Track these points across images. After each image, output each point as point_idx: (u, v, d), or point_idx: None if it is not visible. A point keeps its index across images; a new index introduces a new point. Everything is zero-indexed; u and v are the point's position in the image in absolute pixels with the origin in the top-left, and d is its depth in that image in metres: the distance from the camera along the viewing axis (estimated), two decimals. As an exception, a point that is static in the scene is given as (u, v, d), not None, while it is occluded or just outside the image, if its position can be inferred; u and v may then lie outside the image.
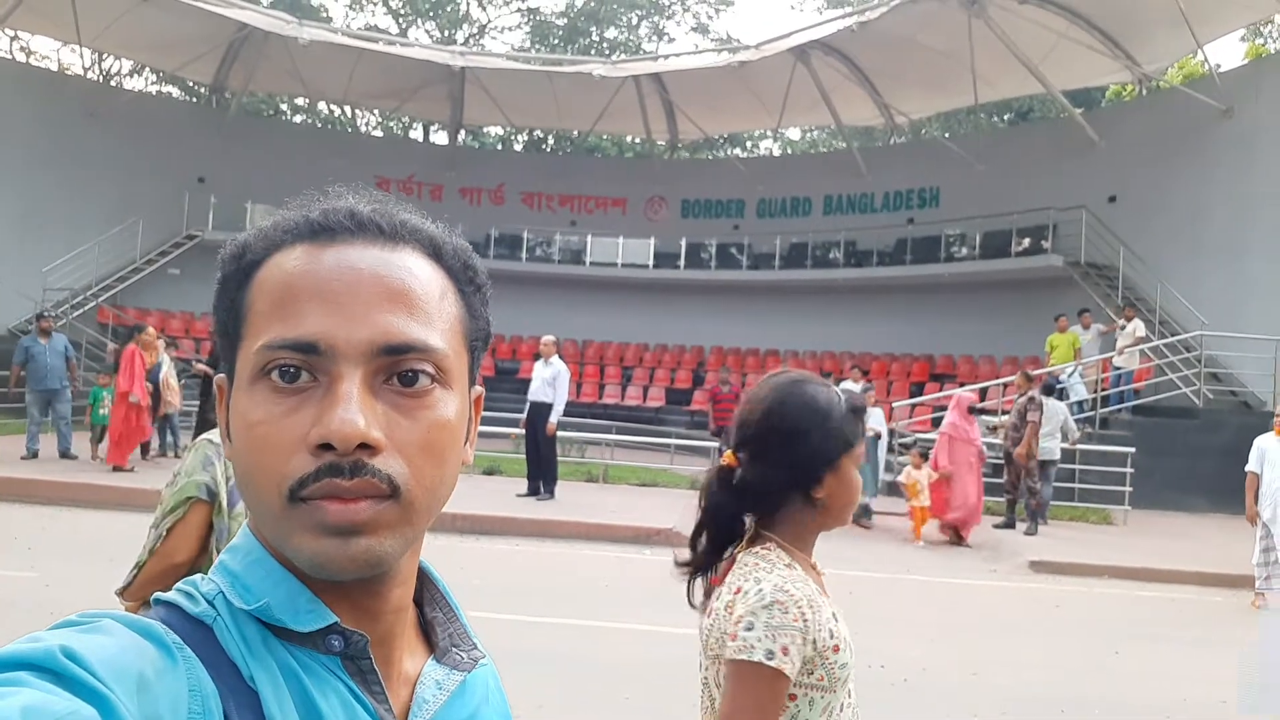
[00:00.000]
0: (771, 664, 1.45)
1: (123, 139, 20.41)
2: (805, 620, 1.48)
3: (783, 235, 22.15)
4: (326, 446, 0.60)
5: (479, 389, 0.74)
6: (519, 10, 33.62)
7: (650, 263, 22.71)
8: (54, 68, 25.68)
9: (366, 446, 0.61)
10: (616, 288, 22.92)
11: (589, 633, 6.03)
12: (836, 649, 1.52)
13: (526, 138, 31.96)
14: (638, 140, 27.79)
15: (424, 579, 0.76)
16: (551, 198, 24.62)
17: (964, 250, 19.89)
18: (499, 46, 32.39)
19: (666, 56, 24.74)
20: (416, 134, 31.25)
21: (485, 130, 30.33)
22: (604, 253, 22.90)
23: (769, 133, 29.61)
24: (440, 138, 27.90)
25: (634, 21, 33.03)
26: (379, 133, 31.57)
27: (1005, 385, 14.65)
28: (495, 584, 7.03)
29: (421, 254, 0.68)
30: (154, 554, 2.63)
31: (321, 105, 30.52)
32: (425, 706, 0.69)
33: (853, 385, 12.29)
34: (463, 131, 26.81)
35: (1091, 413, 14.22)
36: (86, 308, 19.15)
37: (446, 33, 32.35)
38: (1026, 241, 18.70)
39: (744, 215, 23.68)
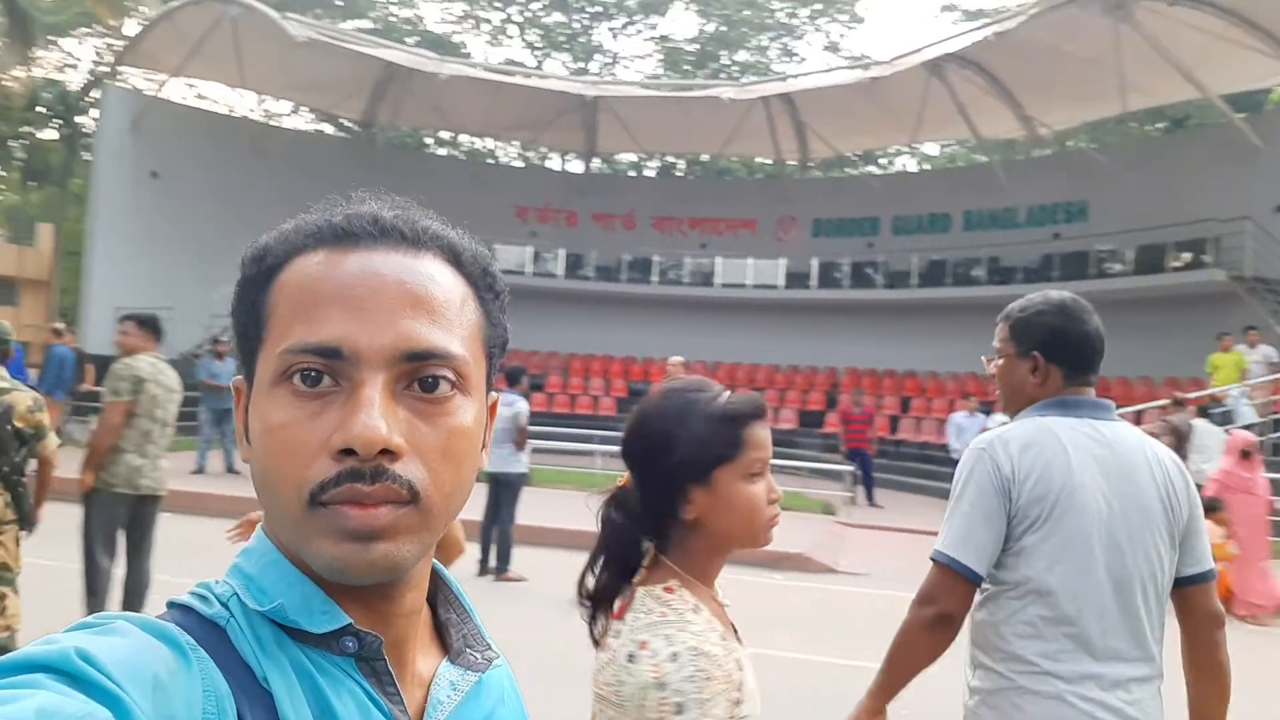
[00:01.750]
0: None
1: (283, 174, 21.83)
2: (727, 676, 1.35)
3: (920, 253, 21.63)
4: (348, 451, 0.60)
5: (494, 394, 0.75)
6: (651, 39, 34.22)
7: (781, 283, 22.57)
8: (224, 111, 27.77)
9: (388, 452, 0.61)
10: (747, 309, 22.86)
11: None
12: (738, 701, 1.37)
13: (658, 163, 32.38)
14: (768, 161, 27.72)
15: (437, 581, 0.76)
16: (681, 221, 24.83)
17: (1116, 265, 18.91)
18: (631, 75, 33.00)
19: (795, 76, 24.60)
20: (553, 163, 32.12)
21: (617, 157, 30.91)
22: (734, 274, 22.91)
23: (905, 148, 29.02)
24: (575, 166, 28.60)
25: (764, 44, 33.06)
26: (519, 163, 32.61)
27: (1164, 408, 13.82)
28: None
29: (443, 260, 0.69)
30: None
31: (464, 138, 31.80)
32: (440, 707, 0.69)
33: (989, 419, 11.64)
34: (596, 159, 27.42)
35: (1261, 438, 13.23)
36: (249, 334, 20.51)
37: (581, 64, 33.22)
38: (1185, 255, 17.62)
39: (878, 233, 23.25)
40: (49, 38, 29.40)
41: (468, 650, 0.74)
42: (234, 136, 22.26)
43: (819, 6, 32.03)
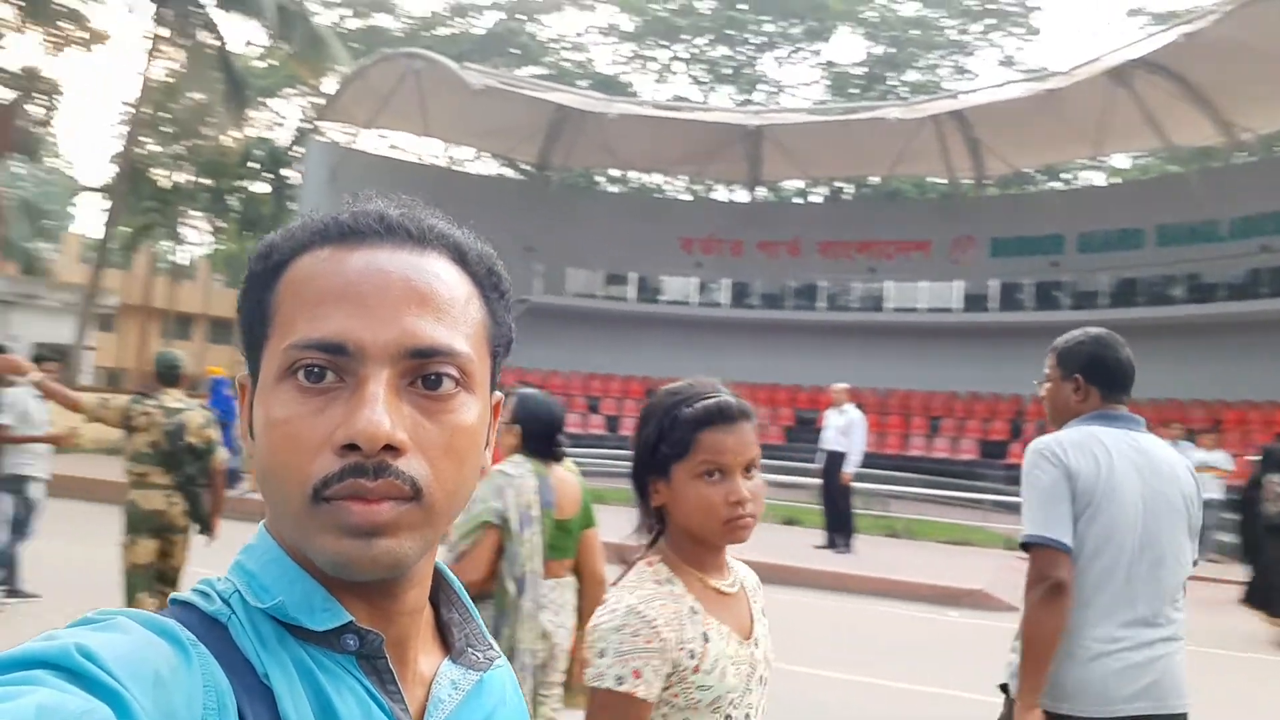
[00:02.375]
0: (622, 689, 1.43)
1: (465, 216, 22.53)
2: (662, 639, 1.45)
3: (1110, 271, 20.34)
4: (352, 447, 0.60)
5: (499, 394, 0.75)
6: (816, 65, 34.01)
7: (958, 306, 21.77)
8: (412, 159, 29.69)
9: (391, 448, 0.61)
10: (920, 334, 22.17)
11: (877, 692, 5.87)
12: (697, 669, 1.47)
13: (827, 190, 32.04)
14: (941, 181, 26.90)
15: (439, 580, 0.76)
16: (849, 245, 24.43)
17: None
18: (798, 102, 32.90)
19: (965, 93, 23.81)
20: (719, 194, 32.40)
21: (783, 185, 30.81)
22: (905, 298, 22.30)
23: (1090, 162, 27.46)
24: (740, 196, 28.74)
25: (934, 63, 32.21)
26: (687, 195, 33.09)
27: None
28: (784, 635, 7.04)
29: (448, 259, 0.69)
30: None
31: (632, 174, 32.61)
32: (441, 706, 0.70)
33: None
34: (761, 188, 27.44)
35: None
36: (434, 367, 21.70)
37: (745, 95, 33.43)
38: None
39: (1063, 251, 22.04)
40: (260, 100, 32.45)
41: (469, 650, 0.74)
42: (419, 182, 23.72)
43: (992, 21, 30.94)
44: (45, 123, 27.16)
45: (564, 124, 23.27)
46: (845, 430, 10.82)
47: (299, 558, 0.65)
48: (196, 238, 37.10)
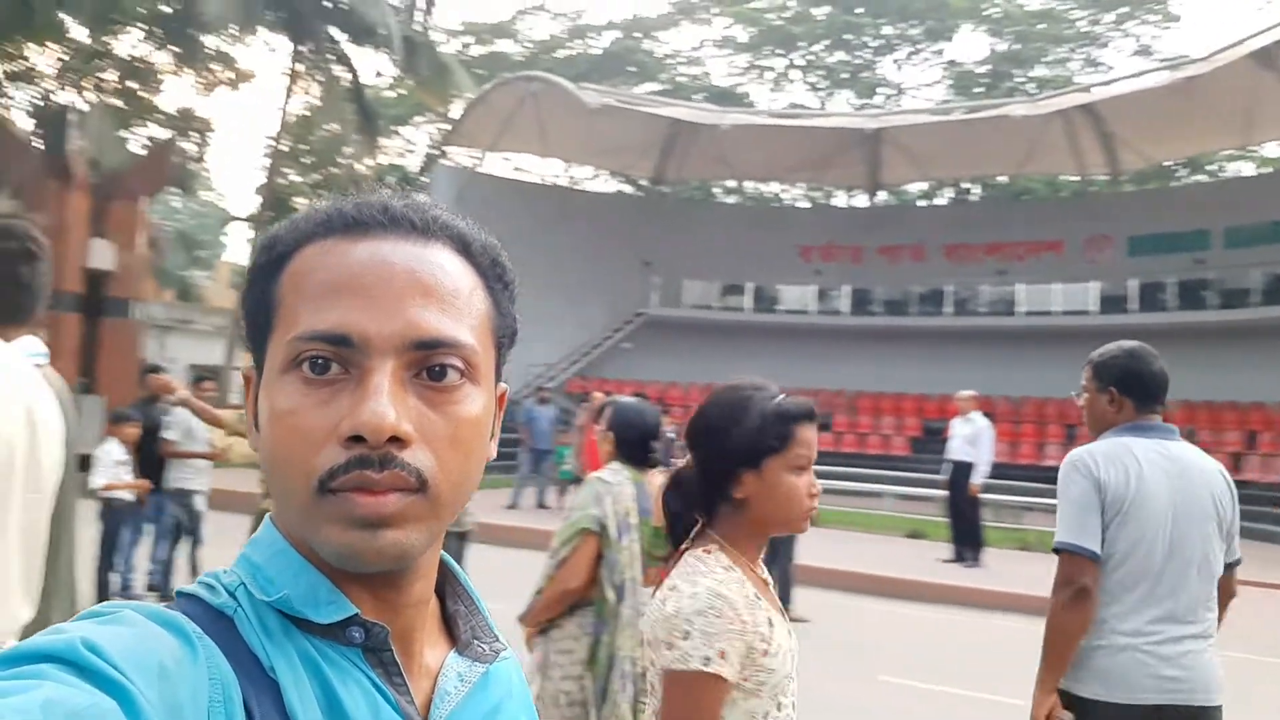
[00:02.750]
0: (709, 670, 1.46)
1: (584, 233, 23.54)
2: (743, 621, 1.50)
3: (1262, 267, 19.04)
4: (357, 439, 0.60)
5: (503, 385, 0.75)
6: (938, 65, 33.19)
7: (1094, 308, 20.79)
8: (533, 179, 30.49)
9: (397, 440, 0.61)
10: (1054, 338, 21.26)
11: (1010, 712, 5.68)
12: (766, 653, 1.52)
13: (952, 192, 31.17)
14: (1073, 178, 25.77)
15: (445, 572, 0.76)
16: (976, 248, 23.69)
17: None
18: (919, 104, 32.14)
19: (1098, 85, 22.77)
20: (839, 200, 31.98)
21: (904, 188, 30.14)
22: (1037, 300, 21.44)
23: (1238, 152, 25.79)
24: (860, 201, 28.28)
25: (1064, 56, 30.93)
26: (805, 203, 32.80)
27: None
28: (911, 651, 6.90)
29: (452, 250, 0.69)
30: (550, 581, 2.94)
31: (749, 184, 32.52)
32: (447, 698, 0.70)
33: None
34: (881, 192, 26.93)
35: None
36: (558, 380, 22.18)
37: (865, 99, 32.89)
38: None
39: (1209, 247, 20.77)
40: (392, 128, 33.96)
41: (475, 642, 0.74)
42: (540, 202, 24.38)
43: (1125, 9, 29.50)
44: (198, 159, 29.13)
45: (678, 138, 23.47)
46: (972, 440, 10.52)
47: (305, 550, 0.65)
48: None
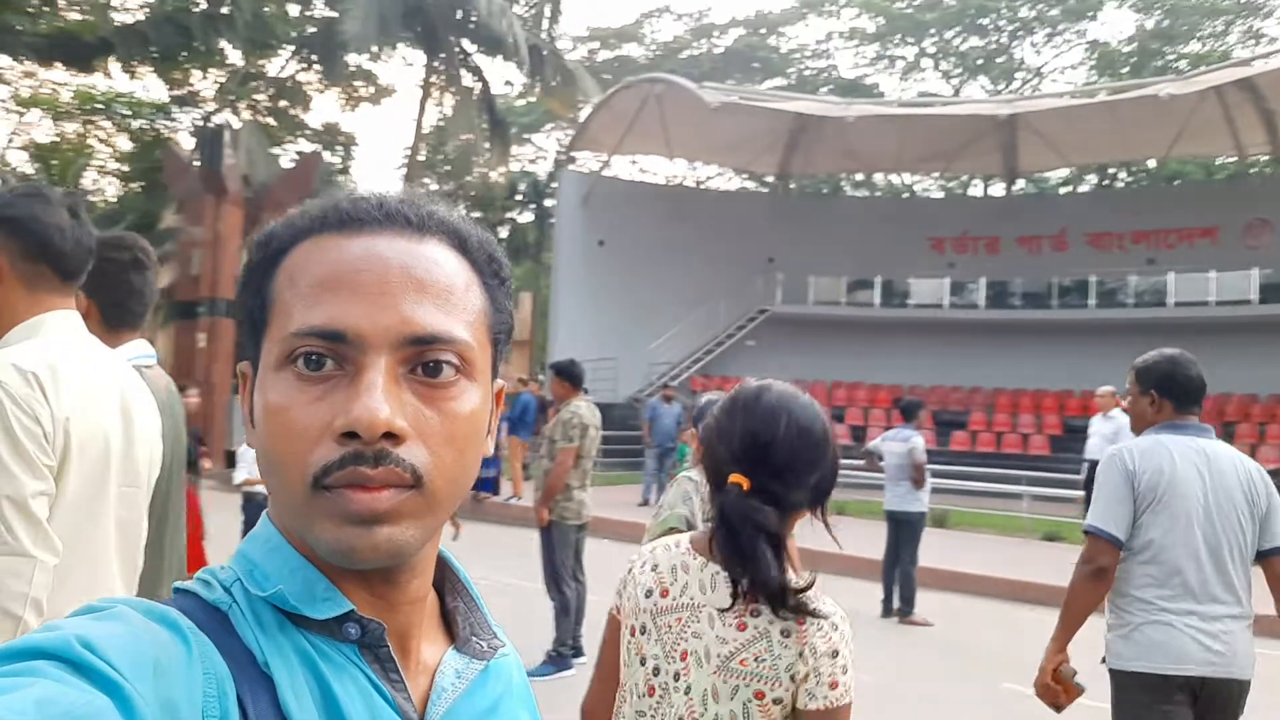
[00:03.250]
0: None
1: (707, 232, 23.57)
2: None
3: None
4: (351, 435, 0.60)
5: (500, 382, 0.74)
6: (1079, 46, 31.61)
7: (1255, 297, 19.38)
8: (657, 180, 30.74)
9: (391, 436, 0.61)
10: (1211, 329, 19.91)
11: None
12: None
13: (1095, 178, 29.62)
14: (1229, 159, 24.08)
15: (444, 568, 0.76)
16: (1122, 236, 22.43)
17: None
18: (1060, 88, 30.69)
19: (1258, 58, 21.17)
20: (976, 189, 30.88)
21: (1044, 176, 28.84)
22: (1191, 290, 20.13)
23: None
24: (996, 190, 27.23)
25: (1220, 29, 28.91)
26: (938, 193, 31.83)
27: None
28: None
29: (448, 245, 0.68)
30: None
31: (878, 176, 31.81)
32: (444, 695, 0.69)
33: None
34: (1019, 180, 25.86)
35: None
36: (681, 378, 22.29)
37: (1001, 85, 31.65)
38: None
39: (1391, 229, 19.07)
40: (524, 136, 34.90)
41: (474, 639, 0.74)
42: (664, 202, 24.55)
43: (1292, -27, 27.38)
44: (344, 171, 30.66)
45: (803, 132, 23.18)
46: (1112, 438, 9.98)
47: (301, 546, 0.66)
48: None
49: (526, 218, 33.91)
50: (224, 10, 21.94)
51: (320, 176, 22.65)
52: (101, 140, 28.49)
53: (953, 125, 21.94)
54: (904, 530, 7.94)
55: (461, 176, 30.89)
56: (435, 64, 24.11)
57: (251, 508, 7.16)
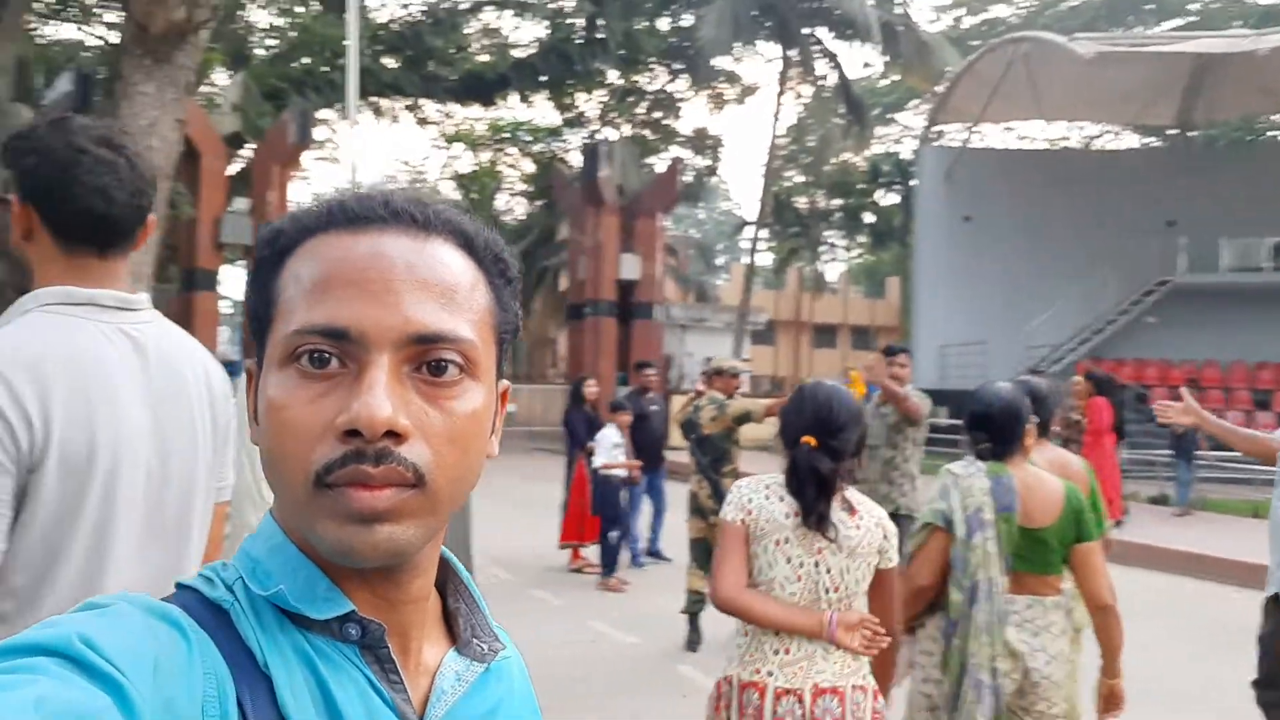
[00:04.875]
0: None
1: (1091, 197, 21.43)
2: None
3: None
4: (354, 433, 0.60)
5: (505, 382, 0.74)
6: None
7: None
8: (1025, 147, 28.47)
9: (394, 434, 0.61)
10: None
11: None
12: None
13: None
14: None
15: (447, 569, 0.75)
16: None
17: None
18: None
19: None
20: None
21: None
22: None
23: None
24: None
25: None
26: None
27: None
28: None
29: (454, 244, 0.69)
30: (902, 578, 2.79)
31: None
32: (444, 697, 0.69)
33: None
34: None
35: None
36: (1065, 361, 20.47)
37: None
38: None
39: None
40: (888, 116, 34.09)
41: (475, 641, 0.73)
42: (1040, 170, 22.75)
43: None
44: (713, 172, 32.10)
45: (1204, 75, 20.21)
46: None
47: (303, 545, 0.66)
48: (836, 254, 40.41)
49: (892, 200, 33.11)
50: (599, 35, 24.13)
51: (685, 181, 24.00)
52: (509, 165, 32.56)
53: None
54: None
55: (822, 164, 30.93)
56: (790, 56, 24.45)
57: (607, 490, 7.66)
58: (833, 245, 37.65)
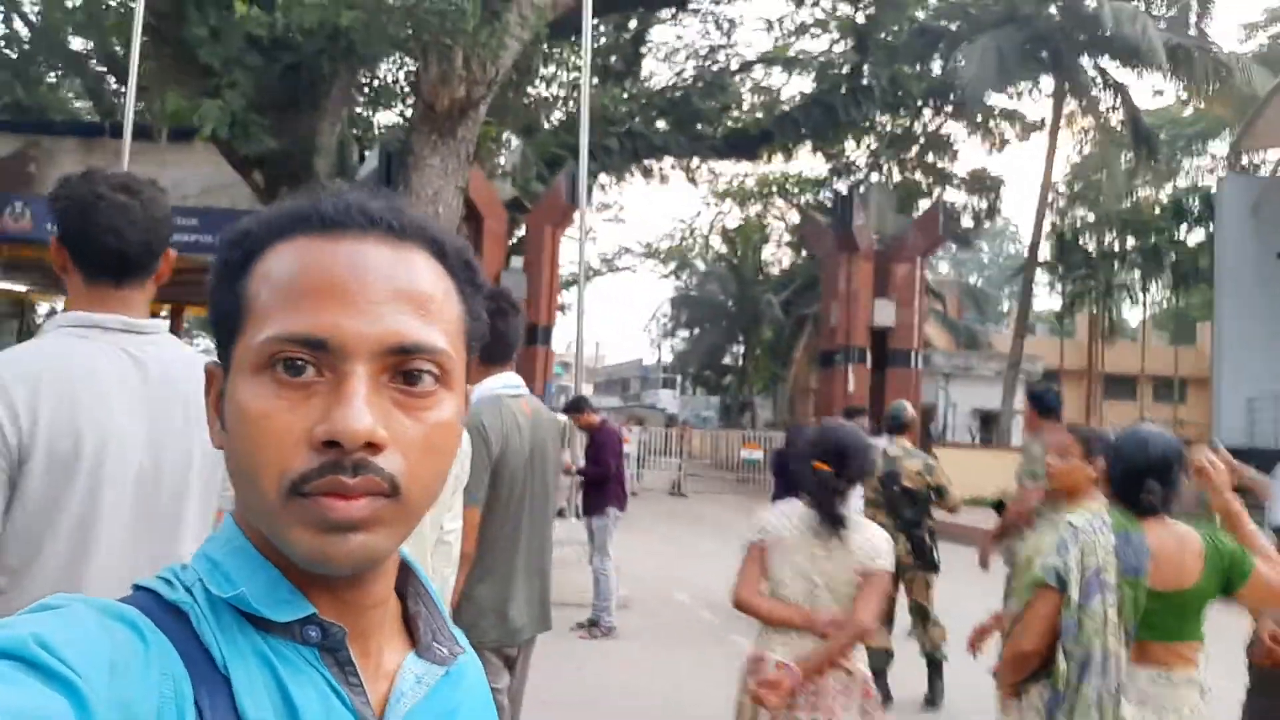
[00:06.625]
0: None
1: None
2: None
3: None
4: (332, 443, 0.60)
5: (469, 387, 0.74)
6: None
7: None
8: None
9: (371, 445, 0.60)
10: None
11: None
12: None
13: None
14: None
15: (407, 572, 0.75)
16: None
17: None
18: None
19: None
20: None
21: None
22: None
23: None
24: None
25: None
26: None
27: None
28: None
29: (428, 253, 0.68)
30: (1007, 639, 2.77)
31: None
32: (403, 699, 0.69)
33: None
34: None
35: None
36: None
37: None
38: None
39: None
40: (1192, 148, 30.84)
41: (435, 644, 0.73)
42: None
43: None
44: (991, 214, 30.64)
45: None
46: None
47: (265, 548, 0.65)
48: (1133, 297, 36.86)
49: (1198, 237, 29.78)
50: (864, 82, 24.07)
51: (949, 223, 23.18)
52: (776, 217, 33.10)
53: None
54: None
55: (1112, 202, 28.58)
56: (1066, 87, 23.05)
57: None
58: (1127, 288, 34.37)
